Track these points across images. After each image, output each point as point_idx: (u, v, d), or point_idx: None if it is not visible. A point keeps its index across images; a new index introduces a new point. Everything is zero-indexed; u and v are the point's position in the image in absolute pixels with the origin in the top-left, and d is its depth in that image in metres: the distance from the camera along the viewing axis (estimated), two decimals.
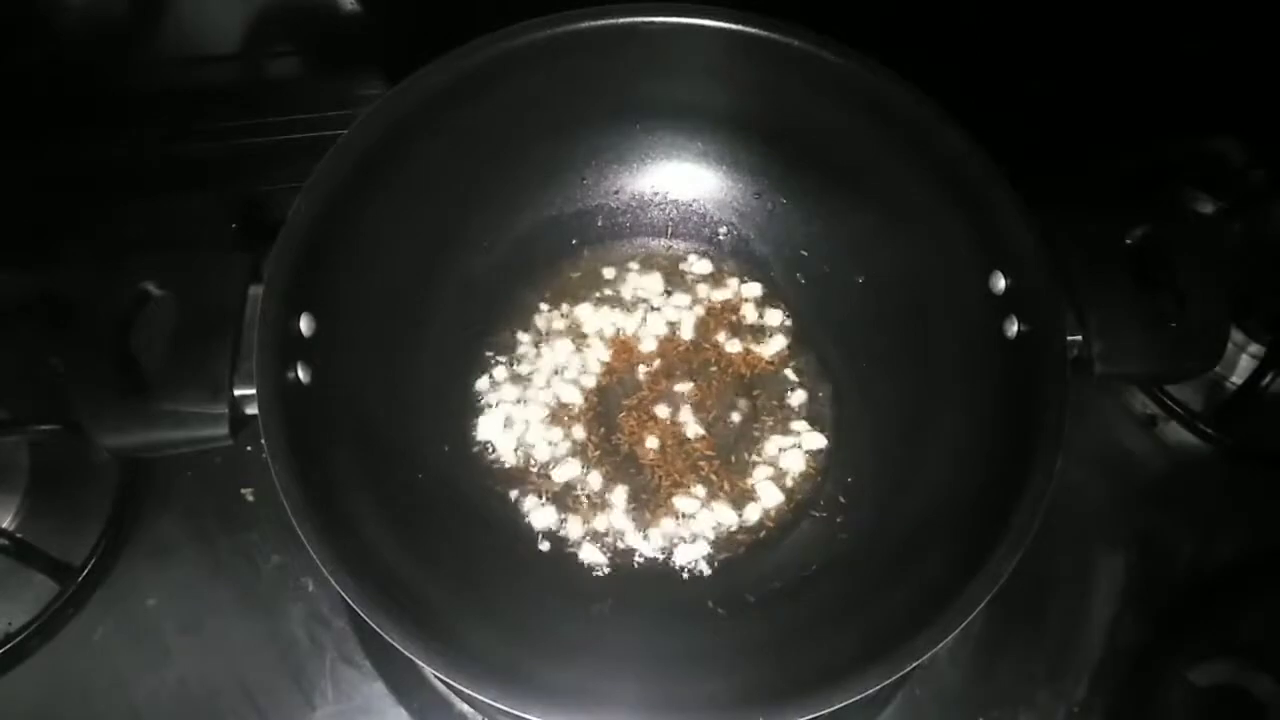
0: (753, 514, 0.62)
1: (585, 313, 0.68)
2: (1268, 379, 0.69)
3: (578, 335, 0.68)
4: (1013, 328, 0.54)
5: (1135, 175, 0.78)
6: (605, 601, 0.58)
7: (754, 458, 0.64)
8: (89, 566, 0.61)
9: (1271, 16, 0.73)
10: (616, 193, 0.70)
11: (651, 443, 0.64)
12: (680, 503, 0.62)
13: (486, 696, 0.43)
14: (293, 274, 0.50)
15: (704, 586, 0.60)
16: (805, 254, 0.69)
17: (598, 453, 0.64)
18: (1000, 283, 0.54)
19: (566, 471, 0.63)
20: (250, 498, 0.65)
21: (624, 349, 0.68)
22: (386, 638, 0.44)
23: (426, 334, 0.64)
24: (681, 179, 0.70)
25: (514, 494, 0.62)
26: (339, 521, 0.47)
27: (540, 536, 0.61)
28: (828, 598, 0.56)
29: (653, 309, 0.69)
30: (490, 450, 0.64)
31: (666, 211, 0.71)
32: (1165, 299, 0.53)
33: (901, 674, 0.44)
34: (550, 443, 0.64)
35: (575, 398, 0.66)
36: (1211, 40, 0.78)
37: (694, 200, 0.71)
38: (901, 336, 0.63)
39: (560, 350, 0.67)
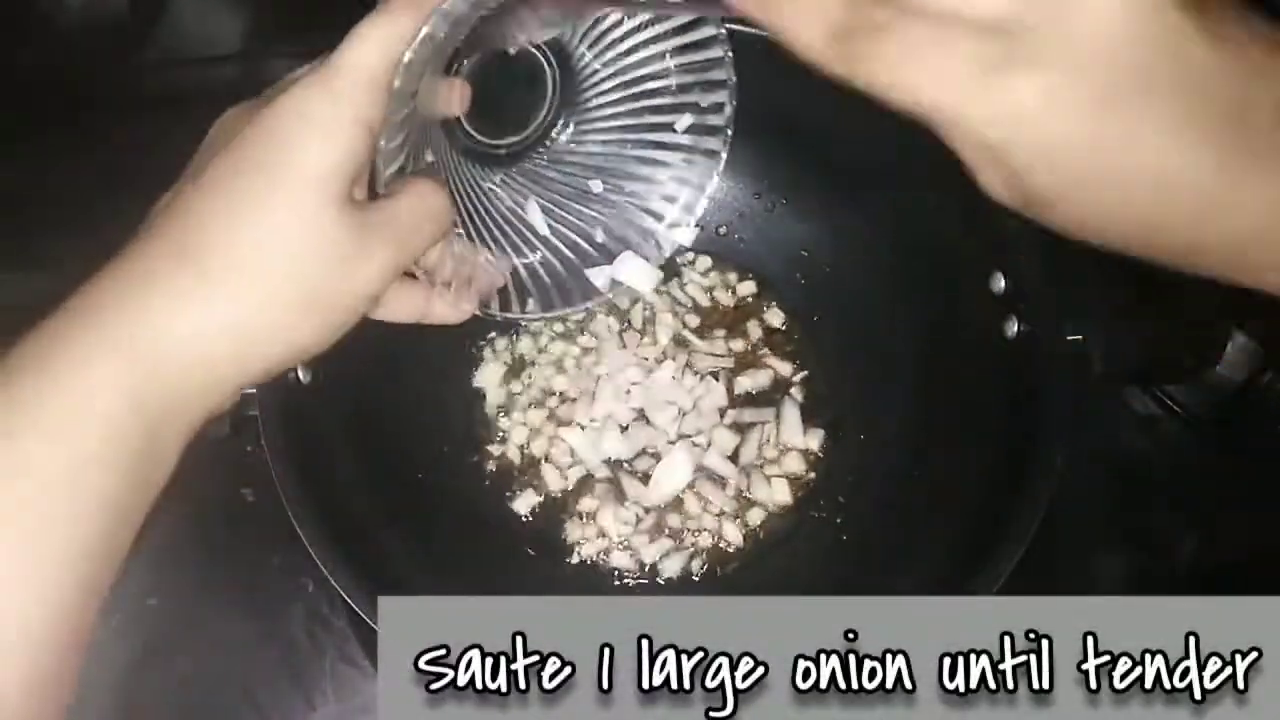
0: (753, 515, 0.62)
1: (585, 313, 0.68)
2: (1267, 379, 0.69)
3: (578, 335, 0.68)
4: (1013, 328, 0.54)
5: None
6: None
7: (754, 458, 0.64)
8: None
9: (1271, 16, 0.73)
10: None
11: None
12: (680, 503, 0.62)
13: None
14: None
15: (703, 587, 0.60)
16: (805, 254, 0.69)
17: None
18: (1000, 283, 0.54)
19: (566, 471, 0.63)
20: (250, 498, 0.65)
21: (623, 349, 0.67)
22: None
23: (426, 332, 0.63)
24: None
25: (513, 493, 0.62)
26: (339, 521, 0.47)
27: (539, 537, 0.61)
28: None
29: (652, 309, 0.69)
30: (490, 449, 0.64)
31: None
32: (1165, 299, 0.53)
33: None
34: (550, 442, 0.64)
35: (575, 397, 0.66)
36: None
37: None
38: (901, 336, 0.63)
39: (560, 349, 0.67)
